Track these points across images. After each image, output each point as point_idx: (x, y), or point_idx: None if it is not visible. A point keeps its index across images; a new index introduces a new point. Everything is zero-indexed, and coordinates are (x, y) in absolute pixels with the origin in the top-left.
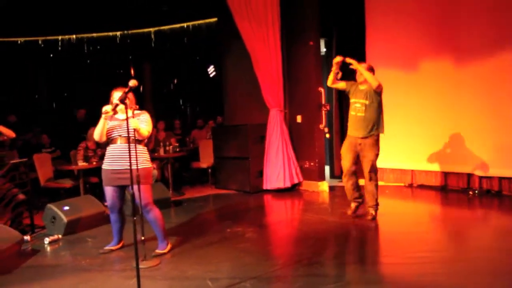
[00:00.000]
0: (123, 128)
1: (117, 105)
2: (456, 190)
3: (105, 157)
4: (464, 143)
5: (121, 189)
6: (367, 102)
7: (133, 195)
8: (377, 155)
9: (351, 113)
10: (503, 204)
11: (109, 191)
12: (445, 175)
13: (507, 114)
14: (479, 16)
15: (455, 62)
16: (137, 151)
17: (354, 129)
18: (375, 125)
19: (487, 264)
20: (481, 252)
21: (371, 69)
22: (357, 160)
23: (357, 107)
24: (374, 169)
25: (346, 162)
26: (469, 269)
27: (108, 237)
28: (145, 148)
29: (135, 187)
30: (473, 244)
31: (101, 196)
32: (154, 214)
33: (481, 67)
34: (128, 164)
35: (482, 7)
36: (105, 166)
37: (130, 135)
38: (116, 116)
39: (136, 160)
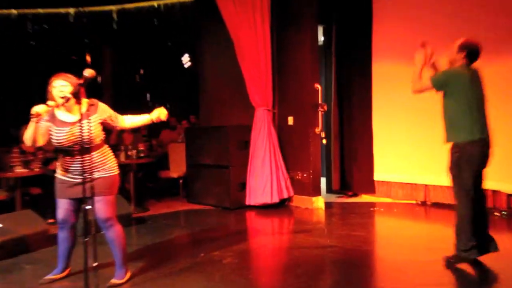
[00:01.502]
0: (77, 137)
1: (67, 99)
2: None
3: (60, 164)
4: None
5: (79, 202)
6: None
7: (85, 210)
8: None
9: None
10: None
11: (63, 204)
12: None
13: None
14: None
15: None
16: (103, 156)
17: None
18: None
19: None
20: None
21: (462, 46)
22: None
23: None
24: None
25: None
26: None
27: (51, 263)
28: (110, 150)
29: (97, 198)
30: (501, 277)
31: (44, 211)
32: (116, 231)
33: (504, 63)
34: (92, 169)
35: None
36: (61, 175)
37: (86, 140)
38: (61, 118)
39: (102, 166)
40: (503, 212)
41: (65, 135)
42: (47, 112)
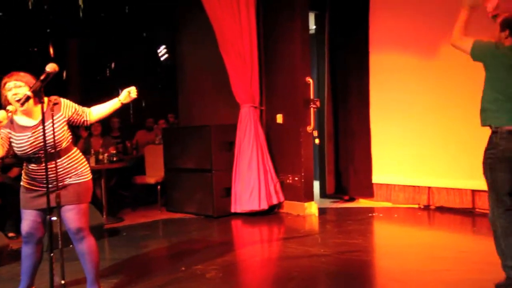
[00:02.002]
0: (41, 141)
1: (28, 98)
2: (488, 214)
3: (24, 172)
4: None
5: (45, 213)
6: None
7: (49, 222)
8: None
9: None
10: None
11: (29, 216)
12: (473, 194)
13: None
14: None
15: None
16: (73, 160)
17: None
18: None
19: None
20: None
21: (503, 23)
22: None
23: None
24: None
25: None
26: None
27: (13, 281)
28: (80, 153)
29: (68, 207)
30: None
31: (3, 224)
32: (88, 244)
33: None
34: (63, 177)
35: None
36: (26, 183)
37: (52, 144)
38: (20, 123)
39: (74, 172)
40: None
41: (27, 141)
42: (7, 118)
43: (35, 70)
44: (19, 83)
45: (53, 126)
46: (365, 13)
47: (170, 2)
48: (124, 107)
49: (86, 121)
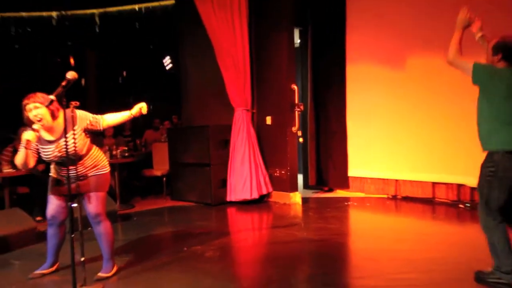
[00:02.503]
0: (64, 152)
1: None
2: (446, 202)
3: (53, 167)
4: (454, 150)
5: (68, 200)
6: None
7: (71, 208)
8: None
9: None
10: None
11: (54, 200)
12: (433, 185)
13: None
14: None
15: (443, 62)
16: (94, 159)
17: None
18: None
19: (479, 286)
20: (471, 274)
21: (495, 48)
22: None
23: None
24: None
25: None
26: None
27: (40, 259)
28: (98, 149)
29: (88, 195)
30: (463, 264)
31: (31, 209)
32: (105, 226)
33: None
34: (85, 173)
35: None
36: (55, 174)
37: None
38: (45, 137)
39: (95, 167)
40: (467, 204)
41: (52, 153)
42: (36, 137)
43: (58, 77)
44: (37, 104)
45: (73, 137)
46: (342, 31)
47: (173, 19)
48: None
49: (100, 128)
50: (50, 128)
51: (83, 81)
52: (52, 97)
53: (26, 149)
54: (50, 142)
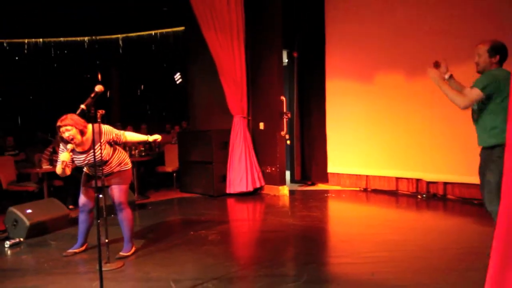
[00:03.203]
0: (92, 161)
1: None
2: (407, 194)
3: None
4: (414, 150)
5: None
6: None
7: (97, 198)
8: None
9: None
10: (447, 207)
11: (85, 191)
12: (397, 180)
13: (453, 123)
14: (432, 34)
15: (407, 75)
16: (118, 159)
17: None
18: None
19: (433, 262)
20: (427, 252)
21: (492, 50)
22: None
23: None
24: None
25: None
26: (416, 267)
27: (72, 240)
28: (121, 149)
29: (114, 186)
30: (420, 244)
31: (65, 199)
32: (127, 213)
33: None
34: (111, 170)
35: (436, 29)
36: (87, 170)
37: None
38: (77, 150)
39: (120, 164)
40: (424, 195)
41: (84, 161)
42: (70, 156)
43: (88, 90)
44: (69, 127)
45: (100, 148)
46: (322, 52)
47: (183, 42)
48: (149, 117)
49: (120, 142)
50: (80, 143)
51: (108, 93)
52: (83, 106)
53: (63, 164)
54: (81, 153)
